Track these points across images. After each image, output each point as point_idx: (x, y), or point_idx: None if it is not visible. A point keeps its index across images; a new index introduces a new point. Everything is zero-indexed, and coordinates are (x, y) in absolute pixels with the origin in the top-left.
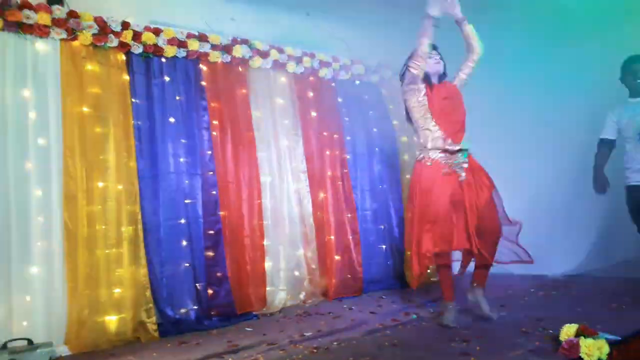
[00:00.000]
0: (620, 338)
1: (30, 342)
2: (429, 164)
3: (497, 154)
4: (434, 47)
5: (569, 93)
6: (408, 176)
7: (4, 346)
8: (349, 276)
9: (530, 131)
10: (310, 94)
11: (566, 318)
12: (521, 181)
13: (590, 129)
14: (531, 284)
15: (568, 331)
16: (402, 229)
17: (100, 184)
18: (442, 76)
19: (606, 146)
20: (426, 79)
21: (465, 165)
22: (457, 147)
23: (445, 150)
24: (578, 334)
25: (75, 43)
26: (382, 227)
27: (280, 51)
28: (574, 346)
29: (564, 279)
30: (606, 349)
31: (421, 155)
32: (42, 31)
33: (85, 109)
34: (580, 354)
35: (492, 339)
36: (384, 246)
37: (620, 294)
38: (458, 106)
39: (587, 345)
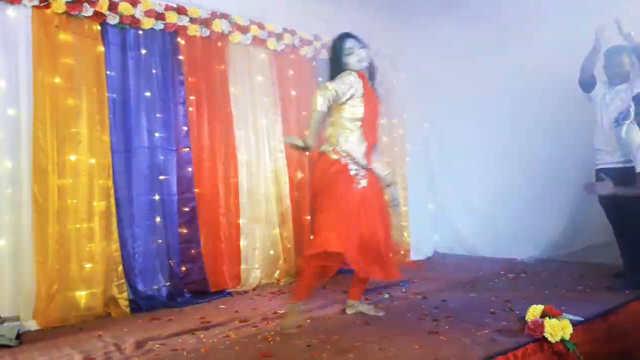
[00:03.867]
0: (583, 319)
1: None
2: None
3: (468, 138)
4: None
5: (538, 79)
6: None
7: None
8: None
9: (500, 117)
10: (291, 72)
11: (533, 300)
12: (491, 166)
13: (561, 114)
14: (501, 267)
15: (534, 312)
16: None
17: (72, 157)
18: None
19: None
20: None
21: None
22: None
23: None
24: (543, 315)
25: (48, 11)
26: None
27: (261, 27)
28: (539, 326)
29: (532, 262)
30: (569, 329)
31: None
32: None
33: (57, 80)
34: (544, 334)
35: (461, 319)
36: None
37: (585, 278)
38: None
39: (552, 326)
